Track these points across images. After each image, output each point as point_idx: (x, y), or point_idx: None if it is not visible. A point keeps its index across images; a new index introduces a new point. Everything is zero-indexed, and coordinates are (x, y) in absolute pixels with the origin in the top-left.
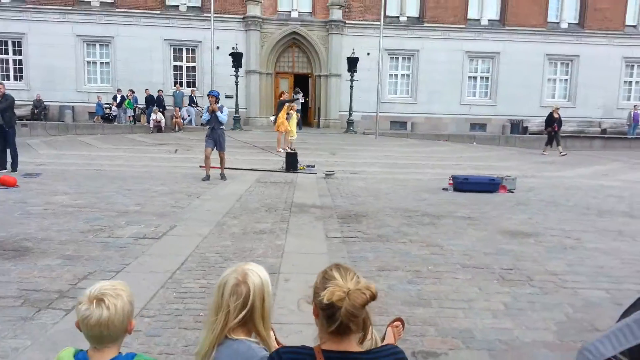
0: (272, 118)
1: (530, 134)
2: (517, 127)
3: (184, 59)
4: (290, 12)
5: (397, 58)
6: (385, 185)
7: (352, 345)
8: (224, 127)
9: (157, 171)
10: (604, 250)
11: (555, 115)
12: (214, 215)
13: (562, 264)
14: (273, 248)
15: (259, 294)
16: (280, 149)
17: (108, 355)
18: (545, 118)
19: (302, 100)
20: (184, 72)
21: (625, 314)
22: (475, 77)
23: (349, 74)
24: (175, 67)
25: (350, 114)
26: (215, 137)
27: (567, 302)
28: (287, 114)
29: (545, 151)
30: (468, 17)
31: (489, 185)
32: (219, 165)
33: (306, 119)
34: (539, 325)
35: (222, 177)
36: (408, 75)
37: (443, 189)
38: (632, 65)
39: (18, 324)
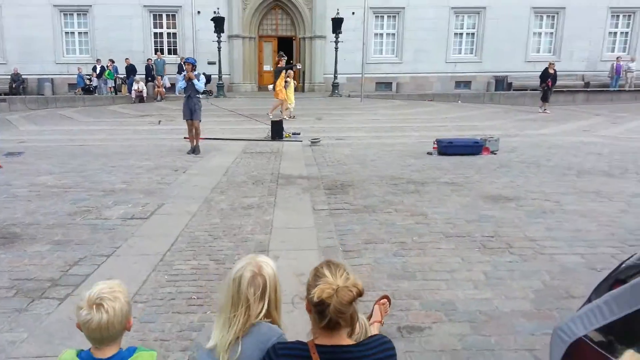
0: (271, 86)
1: (514, 89)
2: (502, 84)
3: (165, 25)
4: None
5: (382, 17)
6: (371, 151)
7: (343, 339)
8: (200, 95)
9: (142, 144)
10: (581, 213)
11: (551, 71)
12: (201, 190)
13: (541, 229)
14: (261, 224)
15: (273, 284)
16: (271, 115)
17: (110, 352)
18: (540, 74)
19: (299, 67)
20: (165, 39)
21: (597, 289)
22: (461, 34)
23: (334, 35)
24: (155, 34)
25: (335, 77)
26: (191, 105)
27: (544, 269)
28: (285, 81)
29: (543, 107)
30: None
31: (473, 148)
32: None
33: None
34: (518, 295)
35: (195, 150)
36: (394, 35)
37: (428, 153)
38: (618, 16)
39: (13, 316)
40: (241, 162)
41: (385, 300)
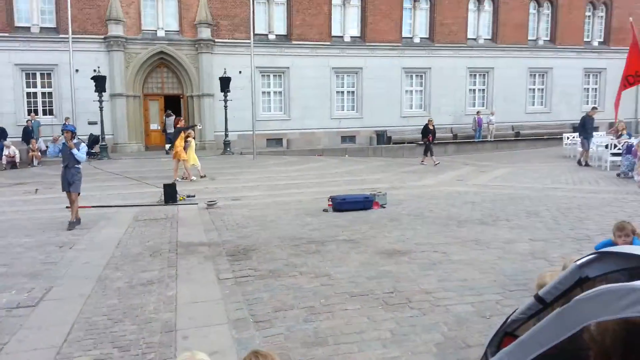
0: (168, 146)
1: (393, 143)
2: (383, 138)
3: (39, 84)
4: (156, 30)
5: (268, 75)
6: (269, 211)
7: None
8: (80, 166)
9: (19, 218)
10: (466, 262)
11: (430, 127)
12: (93, 268)
13: (433, 281)
14: (165, 301)
15: None
16: (178, 178)
17: None
18: (421, 129)
19: (199, 127)
20: (39, 99)
21: (490, 344)
22: (342, 92)
23: (222, 93)
24: (28, 94)
25: (226, 135)
26: (68, 176)
27: (442, 320)
28: (185, 141)
29: (424, 160)
30: (332, 34)
31: (364, 203)
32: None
33: None
34: (422, 349)
35: (70, 225)
36: (280, 92)
37: (324, 210)
38: (475, 75)
39: None
40: (134, 231)
41: None
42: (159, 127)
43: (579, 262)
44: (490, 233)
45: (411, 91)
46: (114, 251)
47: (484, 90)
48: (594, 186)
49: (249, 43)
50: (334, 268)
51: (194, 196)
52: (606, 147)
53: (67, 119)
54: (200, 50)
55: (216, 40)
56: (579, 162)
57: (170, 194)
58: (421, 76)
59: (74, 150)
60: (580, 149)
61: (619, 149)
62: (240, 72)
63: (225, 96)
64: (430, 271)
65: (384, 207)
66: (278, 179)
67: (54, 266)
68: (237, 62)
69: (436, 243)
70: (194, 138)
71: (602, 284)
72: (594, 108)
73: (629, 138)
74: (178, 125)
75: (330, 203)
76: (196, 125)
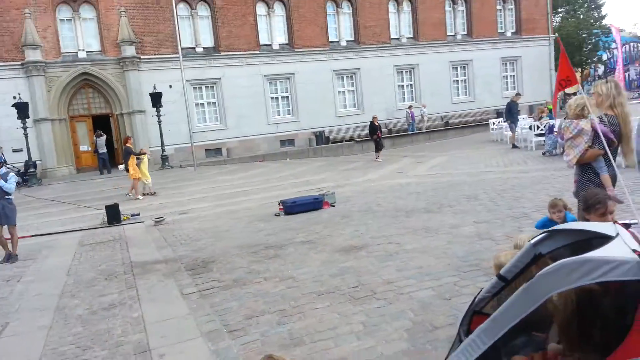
0: (122, 166)
1: (332, 142)
2: (321, 138)
3: None
4: (76, 52)
5: (200, 87)
6: (220, 222)
7: None
8: (11, 196)
9: None
10: (419, 250)
11: (376, 123)
12: (47, 299)
13: (393, 271)
14: (131, 322)
15: None
16: (139, 196)
17: None
18: (368, 127)
19: (149, 156)
20: None
21: (462, 323)
22: (277, 98)
23: (155, 109)
24: None
25: (163, 149)
26: None
27: (407, 307)
28: (138, 158)
29: (379, 157)
30: (261, 43)
31: (315, 204)
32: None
33: (113, 160)
34: (394, 337)
35: (12, 258)
36: (215, 103)
37: (275, 215)
38: (402, 72)
39: None
40: (82, 256)
41: None
42: (90, 149)
43: (533, 241)
44: (437, 220)
45: (343, 92)
46: (66, 279)
47: (411, 85)
48: (523, 166)
49: (177, 57)
50: (296, 270)
51: (138, 214)
52: (530, 128)
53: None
54: (126, 68)
55: (142, 57)
56: (514, 145)
57: (113, 215)
58: (351, 77)
59: (1, 183)
60: (509, 133)
61: (542, 129)
62: (170, 86)
63: (158, 111)
64: (389, 262)
65: (334, 206)
66: (223, 189)
67: (5, 301)
68: (166, 76)
69: (389, 235)
70: (147, 155)
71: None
72: (517, 94)
73: (550, 119)
74: (127, 145)
75: (281, 207)
76: (145, 153)
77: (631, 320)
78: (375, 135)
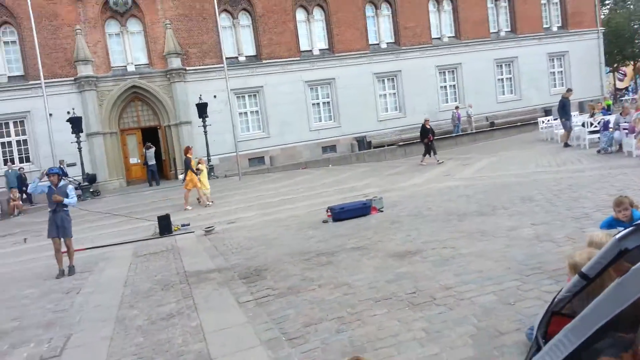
0: (182, 176)
1: (374, 147)
2: (363, 143)
3: (12, 133)
4: (125, 66)
5: (243, 97)
6: (269, 230)
7: None
8: (68, 209)
9: (14, 270)
10: (476, 254)
11: (427, 126)
12: (107, 310)
13: (451, 276)
14: (191, 332)
15: None
16: (188, 207)
17: None
18: (420, 130)
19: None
20: (14, 148)
21: (540, 325)
22: (318, 103)
23: (201, 119)
24: (2, 143)
25: (209, 159)
26: (57, 221)
27: (470, 313)
28: (197, 169)
29: (424, 162)
30: (301, 50)
31: (363, 210)
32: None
33: (162, 172)
34: (459, 343)
35: (70, 270)
36: (257, 112)
37: (324, 222)
38: (444, 72)
39: None
40: (138, 267)
41: None
42: (139, 161)
43: (618, 236)
44: (491, 223)
45: (385, 95)
46: (124, 290)
47: (454, 85)
48: (577, 165)
49: (220, 67)
50: (350, 276)
51: (188, 225)
52: (583, 125)
53: (61, 161)
54: (173, 79)
55: (187, 68)
56: (566, 144)
57: (164, 226)
58: (392, 79)
59: (66, 200)
60: (561, 131)
61: (596, 126)
62: (215, 96)
63: (204, 121)
64: (445, 267)
65: (382, 211)
66: (269, 197)
67: (66, 313)
68: (211, 87)
69: (443, 239)
70: (205, 165)
71: None
72: (569, 90)
73: (604, 115)
74: (187, 155)
75: (330, 214)
76: (202, 165)
77: None
78: (427, 139)
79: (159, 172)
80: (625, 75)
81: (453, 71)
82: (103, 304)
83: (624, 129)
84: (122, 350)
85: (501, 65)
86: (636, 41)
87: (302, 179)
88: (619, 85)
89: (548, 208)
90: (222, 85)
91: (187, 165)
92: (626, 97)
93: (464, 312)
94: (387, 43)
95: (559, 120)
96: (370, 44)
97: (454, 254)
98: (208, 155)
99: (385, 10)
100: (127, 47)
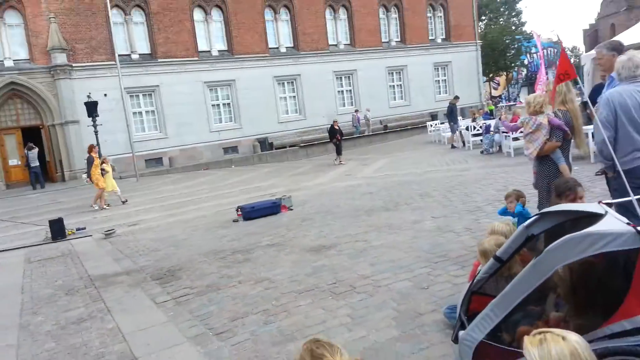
0: (85, 176)
1: (276, 148)
2: (265, 145)
3: None
4: (2, 61)
5: (137, 96)
6: (176, 231)
7: None
8: None
9: None
10: (387, 245)
11: (336, 127)
12: (7, 318)
13: (367, 266)
14: (108, 334)
15: None
16: (105, 205)
17: None
18: (328, 131)
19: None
20: None
21: (462, 303)
22: (218, 105)
23: (90, 118)
24: None
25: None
26: None
27: (389, 298)
28: (101, 169)
29: (337, 160)
30: (199, 50)
31: (273, 208)
32: None
33: (47, 174)
34: (383, 325)
35: None
36: (153, 111)
37: (234, 221)
38: (341, 77)
39: None
40: (33, 273)
41: None
42: (20, 162)
43: (525, 224)
44: (397, 217)
45: (285, 97)
46: (22, 297)
47: (350, 90)
48: (464, 165)
49: (111, 65)
50: (269, 272)
51: (84, 228)
52: (467, 129)
53: None
54: (57, 76)
55: (74, 64)
56: (453, 146)
57: (57, 230)
58: (292, 82)
59: None
60: (448, 134)
61: (478, 129)
62: (105, 94)
63: (94, 121)
64: (360, 258)
65: (292, 209)
66: (170, 198)
67: None
68: (100, 84)
69: (354, 233)
70: (110, 164)
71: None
72: (456, 97)
73: (485, 119)
74: (91, 154)
75: (240, 213)
76: (107, 163)
77: (628, 285)
78: (335, 139)
79: (43, 174)
80: (499, 84)
81: (349, 77)
82: (0, 312)
83: (503, 132)
84: (34, 357)
85: (392, 73)
86: (507, 54)
87: (205, 179)
88: (494, 93)
89: (444, 203)
90: (113, 84)
91: (90, 165)
92: (500, 104)
93: (383, 298)
94: (287, 47)
95: (447, 124)
96: (270, 48)
97: (367, 247)
98: (100, 156)
99: (284, 15)
100: (5, 41)
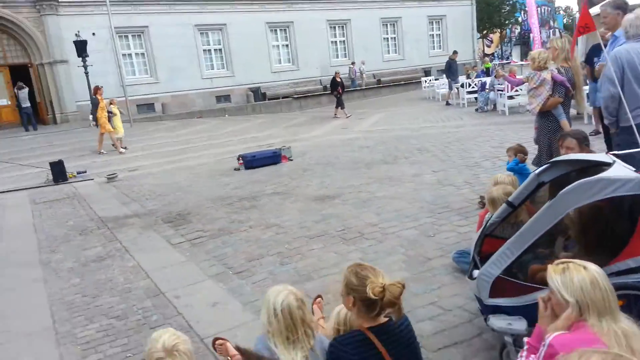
0: (91, 118)
1: (269, 99)
2: (257, 94)
3: None
4: None
5: (127, 36)
6: (179, 178)
7: (382, 319)
8: None
9: None
10: (390, 197)
11: (338, 79)
12: (26, 255)
13: (373, 215)
14: (131, 271)
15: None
16: (103, 151)
17: None
18: (330, 83)
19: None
20: None
21: (475, 245)
22: (210, 50)
23: (80, 58)
24: None
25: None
26: None
27: (397, 244)
28: (108, 111)
29: (337, 114)
30: None
31: (274, 158)
32: None
33: (38, 115)
34: (394, 268)
35: None
36: (143, 54)
37: (235, 169)
38: (335, 27)
39: None
40: (42, 214)
41: (320, 299)
42: (9, 102)
43: (537, 172)
44: (397, 170)
45: (278, 46)
46: (36, 236)
47: (344, 42)
48: (459, 121)
49: (100, 1)
50: (278, 218)
51: (85, 172)
52: (462, 86)
53: None
54: (44, 11)
55: (60, 0)
56: (447, 102)
57: (58, 172)
58: (285, 30)
59: None
60: (443, 91)
61: (474, 87)
62: (94, 33)
63: (84, 61)
64: (365, 208)
65: (292, 160)
66: (167, 145)
67: None
68: (89, 23)
69: (357, 184)
70: (118, 107)
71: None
72: (454, 52)
73: (481, 77)
74: (96, 95)
75: (241, 161)
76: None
77: (633, 228)
78: (336, 92)
79: (35, 115)
80: (492, 42)
81: (343, 27)
82: (18, 250)
83: (498, 90)
84: (62, 291)
85: (387, 25)
86: (502, 11)
87: (200, 128)
88: (487, 50)
89: (442, 157)
90: (102, 22)
91: (95, 106)
92: (493, 62)
93: (392, 244)
94: None
95: (442, 80)
96: None
97: (370, 197)
98: (91, 98)
99: None
100: None
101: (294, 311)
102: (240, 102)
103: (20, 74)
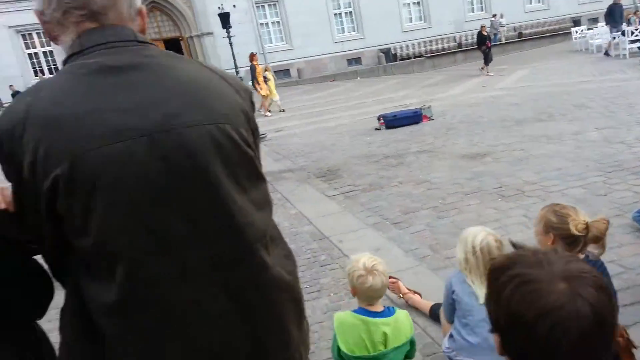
0: (250, 84)
1: (400, 59)
2: (388, 56)
3: (37, 44)
4: None
5: (263, 6)
6: (322, 137)
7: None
8: None
9: None
10: (549, 155)
11: (484, 33)
12: None
13: (531, 174)
14: (294, 217)
15: None
16: (268, 112)
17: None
18: (476, 38)
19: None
20: (42, 59)
21: None
22: (340, 14)
23: (224, 30)
24: (30, 55)
25: (237, 72)
26: None
27: (564, 202)
28: (264, 77)
29: (484, 69)
30: None
31: (414, 118)
32: None
33: None
34: None
35: None
36: (279, 22)
37: (376, 129)
38: None
39: None
40: None
41: (395, 279)
42: None
43: None
44: (553, 128)
45: (408, 4)
46: None
47: None
48: (622, 75)
49: None
50: (428, 175)
51: None
52: (623, 34)
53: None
54: None
55: None
56: (607, 53)
57: None
58: None
59: None
60: (597, 41)
61: (637, 35)
62: (234, 5)
63: (228, 32)
64: (522, 166)
65: (433, 119)
66: (307, 108)
67: None
68: None
69: (509, 142)
70: (272, 73)
71: None
72: None
73: None
74: (253, 62)
75: (382, 121)
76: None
77: None
78: (484, 46)
79: None
80: None
81: None
82: None
83: None
84: None
85: None
86: None
87: (335, 90)
88: None
89: (606, 114)
90: None
91: (253, 72)
92: None
93: (557, 202)
94: None
95: (598, 29)
96: None
97: (526, 155)
98: (236, 67)
99: None
100: None
101: (493, 251)
102: (371, 64)
103: (173, 47)
